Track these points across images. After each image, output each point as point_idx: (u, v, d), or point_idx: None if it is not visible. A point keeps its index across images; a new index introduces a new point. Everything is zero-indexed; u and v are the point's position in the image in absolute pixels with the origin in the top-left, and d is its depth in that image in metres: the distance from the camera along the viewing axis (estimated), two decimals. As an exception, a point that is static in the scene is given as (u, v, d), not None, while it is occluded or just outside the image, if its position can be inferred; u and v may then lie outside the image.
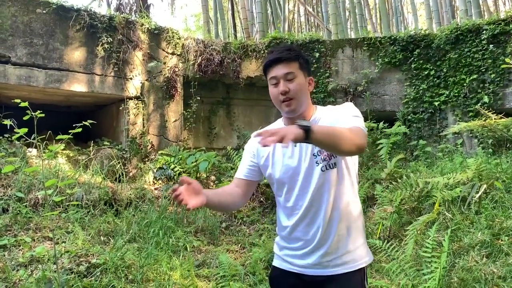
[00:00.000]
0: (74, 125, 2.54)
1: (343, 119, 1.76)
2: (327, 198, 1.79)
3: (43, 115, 2.48)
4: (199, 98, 7.97)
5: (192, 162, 6.72)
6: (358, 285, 1.80)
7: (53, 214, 2.37)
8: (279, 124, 1.99)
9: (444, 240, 3.15)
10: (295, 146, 1.84)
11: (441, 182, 4.62)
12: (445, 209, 4.35)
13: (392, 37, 8.44)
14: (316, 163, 1.79)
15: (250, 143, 2.05)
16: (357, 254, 1.82)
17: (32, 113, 2.44)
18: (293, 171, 1.85)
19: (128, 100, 7.30)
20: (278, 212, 1.98)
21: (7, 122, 2.53)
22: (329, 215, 1.80)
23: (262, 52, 8.32)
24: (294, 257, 1.88)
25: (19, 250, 4.31)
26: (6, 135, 5.97)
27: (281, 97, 1.83)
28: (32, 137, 2.51)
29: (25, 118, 2.48)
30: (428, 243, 3.30)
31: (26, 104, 2.46)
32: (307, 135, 1.48)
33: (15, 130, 2.50)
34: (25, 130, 2.47)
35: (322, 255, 1.81)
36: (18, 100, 2.52)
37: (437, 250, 3.33)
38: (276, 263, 1.98)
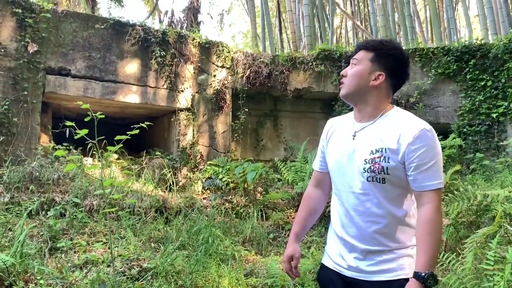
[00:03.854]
0: (132, 126, 2.61)
1: (426, 175, 1.67)
2: (370, 206, 1.73)
3: (103, 116, 2.57)
4: (247, 110, 8.06)
5: (240, 173, 6.76)
6: None
7: (111, 211, 2.45)
8: (349, 116, 1.94)
9: (507, 252, 2.96)
10: (354, 139, 1.80)
11: (502, 195, 4.36)
12: (506, 223, 4.10)
13: (446, 48, 8.20)
14: (364, 169, 1.73)
15: (325, 128, 2.04)
16: (399, 264, 1.71)
17: (92, 114, 2.53)
18: (341, 167, 1.83)
19: (179, 111, 7.49)
20: (331, 201, 1.97)
21: (69, 123, 2.63)
22: (370, 222, 1.74)
23: (310, 64, 8.31)
24: (334, 255, 1.86)
25: (75, 252, 4.48)
26: (65, 144, 6.27)
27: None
28: (89, 146, 2.58)
29: (87, 119, 2.58)
30: (490, 255, 3.12)
31: (87, 106, 2.56)
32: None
33: (75, 131, 2.59)
34: (86, 131, 2.57)
35: (358, 258, 1.76)
36: (80, 102, 2.64)
37: (500, 263, 3.13)
38: (323, 259, 1.97)
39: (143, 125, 2.65)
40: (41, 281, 3.49)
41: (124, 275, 3.91)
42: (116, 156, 7.05)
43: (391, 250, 1.72)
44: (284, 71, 8.23)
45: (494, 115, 7.49)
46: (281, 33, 16.22)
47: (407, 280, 1.68)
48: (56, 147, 6.27)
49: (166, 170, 6.67)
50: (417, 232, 1.69)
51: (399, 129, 1.70)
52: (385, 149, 1.70)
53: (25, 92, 6.26)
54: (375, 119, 1.79)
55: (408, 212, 1.76)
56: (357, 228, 1.76)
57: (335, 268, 1.84)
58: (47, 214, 5.06)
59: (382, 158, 1.69)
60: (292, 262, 1.97)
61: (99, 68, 6.85)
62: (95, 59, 6.83)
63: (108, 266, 4.08)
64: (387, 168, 1.68)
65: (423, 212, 1.68)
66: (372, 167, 1.70)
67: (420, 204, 1.70)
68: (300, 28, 12.90)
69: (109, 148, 2.59)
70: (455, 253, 4.25)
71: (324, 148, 1.99)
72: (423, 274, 1.59)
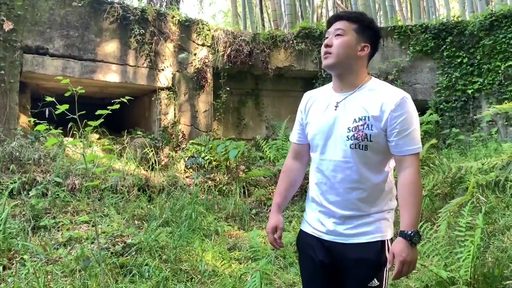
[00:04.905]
0: (113, 101, 2.63)
1: (406, 140, 1.76)
2: (350, 173, 1.80)
3: (83, 91, 2.58)
4: (228, 89, 8.06)
5: (222, 151, 6.80)
6: (374, 255, 1.78)
7: (93, 185, 2.48)
8: (327, 88, 1.98)
9: (478, 219, 3.11)
10: (336, 109, 1.85)
11: (475, 167, 4.53)
12: (479, 193, 4.27)
13: (424, 25, 8.30)
14: (347, 137, 1.79)
15: (302, 101, 2.08)
16: (376, 227, 1.80)
17: (72, 89, 2.54)
18: (323, 136, 1.87)
19: (160, 90, 7.46)
20: (310, 171, 2.01)
21: (49, 99, 2.63)
22: (350, 188, 1.80)
23: (291, 42, 8.32)
24: (313, 221, 1.92)
25: (58, 230, 4.50)
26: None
27: (323, 50, 1.87)
28: (69, 126, 2.59)
29: (67, 94, 2.59)
30: (463, 223, 3.26)
31: (67, 81, 2.57)
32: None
33: (56, 106, 2.60)
34: (66, 106, 2.57)
35: (337, 223, 1.83)
36: (60, 77, 2.64)
37: (471, 230, 3.28)
38: (301, 226, 2.03)
39: (123, 99, 2.67)
40: (25, 256, 3.52)
41: (108, 251, 3.96)
42: (97, 136, 7.01)
43: (369, 214, 1.81)
44: (265, 49, 8.23)
45: (469, 91, 7.66)
46: (262, 12, 16.08)
47: (383, 241, 1.79)
48: (37, 122, 6.20)
49: (148, 149, 6.68)
50: (400, 194, 1.78)
51: (381, 98, 1.79)
52: (369, 117, 1.77)
53: (2, 72, 6.14)
54: (355, 90, 1.86)
55: (386, 178, 1.84)
56: (336, 194, 1.83)
57: (314, 233, 1.90)
58: (28, 194, 5.04)
59: (365, 125, 1.77)
60: (276, 233, 2.02)
61: (78, 46, 6.74)
62: (73, 37, 6.72)
63: (92, 242, 4.13)
64: (370, 135, 1.76)
65: (405, 175, 1.77)
66: (355, 135, 1.77)
67: (402, 168, 1.79)
68: (281, 7, 12.84)
69: (89, 123, 2.61)
70: (430, 223, 4.41)
71: (302, 121, 2.03)
72: (409, 232, 1.69)
